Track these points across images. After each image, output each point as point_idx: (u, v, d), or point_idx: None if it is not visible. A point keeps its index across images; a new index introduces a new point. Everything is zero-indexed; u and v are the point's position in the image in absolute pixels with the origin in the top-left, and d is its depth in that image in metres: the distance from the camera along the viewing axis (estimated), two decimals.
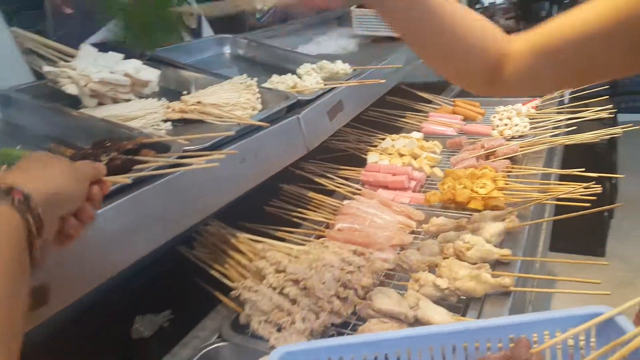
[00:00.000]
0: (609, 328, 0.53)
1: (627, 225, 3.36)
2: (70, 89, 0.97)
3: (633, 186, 3.52)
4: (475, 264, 0.96)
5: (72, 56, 1.07)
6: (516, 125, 1.62)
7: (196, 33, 1.51)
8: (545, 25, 0.64)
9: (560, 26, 0.62)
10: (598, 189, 1.11)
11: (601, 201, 1.12)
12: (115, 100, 1.07)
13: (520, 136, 1.59)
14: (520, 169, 1.39)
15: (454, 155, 1.53)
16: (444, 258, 1.00)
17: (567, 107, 1.72)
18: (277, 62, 1.50)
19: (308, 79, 1.29)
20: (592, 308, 0.55)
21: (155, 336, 1.04)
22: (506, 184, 1.25)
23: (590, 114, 1.61)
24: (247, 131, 0.97)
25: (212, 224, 1.06)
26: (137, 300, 1.11)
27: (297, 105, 1.14)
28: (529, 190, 1.21)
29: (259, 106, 1.10)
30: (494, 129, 1.67)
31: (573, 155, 1.66)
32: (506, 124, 1.65)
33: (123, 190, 0.70)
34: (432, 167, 1.45)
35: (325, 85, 1.27)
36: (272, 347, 0.76)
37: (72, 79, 0.99)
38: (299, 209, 1.21)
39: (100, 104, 1.03)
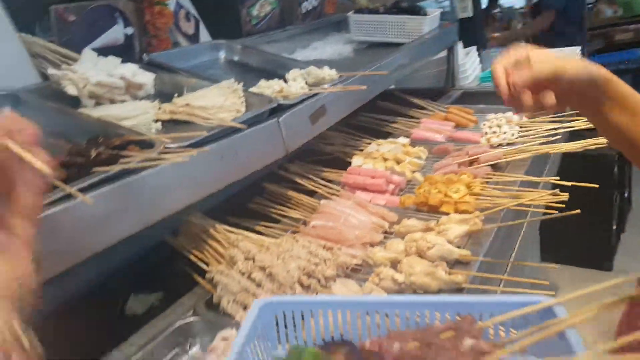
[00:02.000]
0: (547, 316, 0.59)
1: (638, 240, 3.43)
2: (71, 90, 1.14)
3: None
4: (434, 262, 1.09)
5: (74, 60, 1.25)
6: (504, 133, 1.75)
7: (194, 38, 1.68)
8: None
9: None
10: (564, 196, 1.22)
11: (609, 212, 1.15)
12: (112, 101, 1.24)
13: (508, 144, 1.72)
14: (501, 175, 1.52)
15: (439, 161, 1.66)
16: (407, 256, 1.14)
17: (559, 117, 1.84)
18: (268, 67, 1.66)
19: (294, 85, 1.44)
20: (533, 297, 0.62)
21: (146, 314, 1.20)
22: (482, 190, 1.38)
23: (579, 124, 1.73)
24: (228, 132, 1.12)
25: (195, 216, 1.22)
26: (132, 282, 1.29)
27: (280, 109, 1.29)
28: (503, 197, 1.34)
29: (243, 109, 1.25)
30: (482, 137, 1.80)
31: (575, 166, 1.75)
32: (495, 132, 1.78)
33: (109, 180, 0.86)
34: (413, 172, 1.58)
35: (310, 90, 1.42)
36: (238, 323, 0.91)
37: (73, 81, 1.15)
38: (280, 207, 1.36)
39: (97, 104, 1.20)
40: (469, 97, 2.39)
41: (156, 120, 1.19)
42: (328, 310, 0.65)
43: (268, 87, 1.42)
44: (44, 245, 0.74)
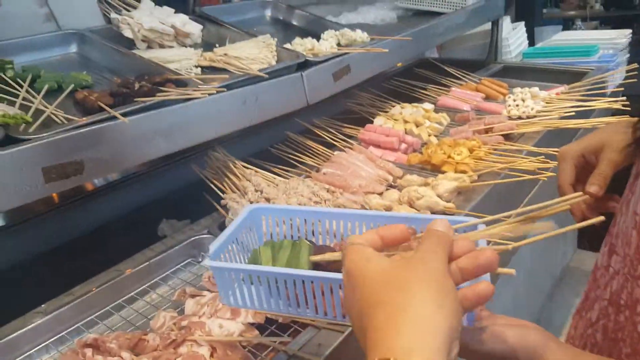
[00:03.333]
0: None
1: None
2: (127, 33, 1.34)
3: None
4: (421, 211, 1.23)
5: (134, 7, 1.44)
6: (526, 106, 1.81)
7: None
8: None
9: None
10: (552, 164, 1.30)
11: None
12: (162, 46, 1.43)
13: (527, 117, 1.78)
14: (511, 145, 1.60)
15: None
16: (400, 204, 1.27)
17: (584, 96, 1.86)
18: (309, 27, 1.79)
19: (325, 44, 1.58)
20: (465, 218, 0.75)
21: None
22: (484, 155, 1.47)
23: (601, 103, 1.76)
24: (253, 80, 1.28)
25: (220, 152, 1.40)
26: (165, 209, 1.50)
27: (307, 65, 1.44)
28: (501, 162, 1.43)
29: (273, 62, 1.41)
30: (506, 109, 1.87)
31: None
32: (517, 105, 1.84)
33: (148, 109, 1.05)
34: (430, 135, 1.69)
35: (338, 50, 1.55)
36: None
37: (130, 26, 1.35)
38: (297, 154, 1.53)
39: (149, 47, 1.39)
40: (509, 72, 2.42)
41: (197, 66, 1.37)
42: (297, 217, 0.81)
43: (300, 45, 1.57)
44: (91, 153, 0.95)
